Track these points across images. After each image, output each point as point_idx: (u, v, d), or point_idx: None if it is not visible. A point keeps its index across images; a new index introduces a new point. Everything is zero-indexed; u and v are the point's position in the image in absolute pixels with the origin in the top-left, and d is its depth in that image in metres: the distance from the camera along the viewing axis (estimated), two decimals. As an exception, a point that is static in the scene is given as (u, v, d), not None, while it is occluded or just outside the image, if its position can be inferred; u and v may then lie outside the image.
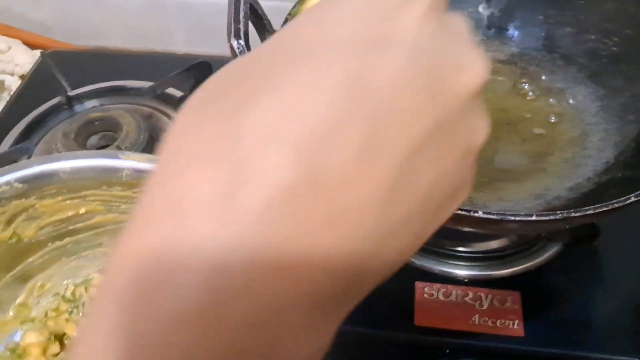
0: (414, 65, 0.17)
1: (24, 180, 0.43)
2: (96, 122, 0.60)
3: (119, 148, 0.56)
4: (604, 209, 0.36)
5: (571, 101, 0.55)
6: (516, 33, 0.59)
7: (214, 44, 0.76)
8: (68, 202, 0.45)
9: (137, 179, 0.44)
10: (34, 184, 0.43)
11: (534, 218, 0.36)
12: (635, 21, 0.52)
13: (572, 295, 0.49)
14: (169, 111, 0.64)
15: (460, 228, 0.42)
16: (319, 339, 0.17)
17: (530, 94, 0.56)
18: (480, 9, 0.60)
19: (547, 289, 0.49)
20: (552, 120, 0.53)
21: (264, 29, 0.50)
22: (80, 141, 0.59)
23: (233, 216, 0.15)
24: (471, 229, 0.47)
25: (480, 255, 0.51)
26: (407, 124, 0.17)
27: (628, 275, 0.50)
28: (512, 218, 0.36)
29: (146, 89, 0.63)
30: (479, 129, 0.20)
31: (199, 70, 0.62)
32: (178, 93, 0.65)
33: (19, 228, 0.44)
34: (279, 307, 0.15)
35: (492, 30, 0.60)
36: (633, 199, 0.37)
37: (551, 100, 0.55)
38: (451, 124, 0.18)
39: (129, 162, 0.43)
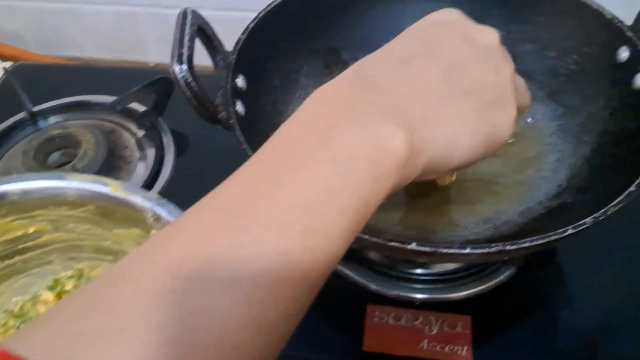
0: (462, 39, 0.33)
1: (-25, 202, 0.43)
2: (57, 140, 0.60)
3: (75, 167, 0.56)
4: (540, 241, 0.36)
5: (529, 120, 0.54)
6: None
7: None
8: (17, 222, 0.46)
9: (82, 198, 0.45)
10: (-15, 205, 0.44)
11: (467, 251, 0.35)
12: (594, 39, 0.51)
13: (524, 320, 0.48)
14: (131, 126, 0.64)
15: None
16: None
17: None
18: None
19: (499, 313, 0.49)
20: (509, 141, 0.52)
21: (216, 50, 0.49)
22: (41, 159, 0.59)
23: None
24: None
25: (434, 277, 0.51)
26: (456, 46, 0.32)
27: (583, 300, 0.50)
28: (445, 251, 0.35)
29: (108, 104, 0.63)
30: (506, 63, 0.33)
31: (160, 85, 0.61)
32: (141, 107, 0.65)
33: (-30, 248, 0.45)
34: None
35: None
36: (570, 231, 0.36)
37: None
38: (484, 52, 0.32)
39: (74, 182, 0.45)
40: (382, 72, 0.30)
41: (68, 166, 0.56)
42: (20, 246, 0.48)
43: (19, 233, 0.47)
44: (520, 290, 0.50)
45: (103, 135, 0.60)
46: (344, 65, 0.58)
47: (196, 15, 0.46)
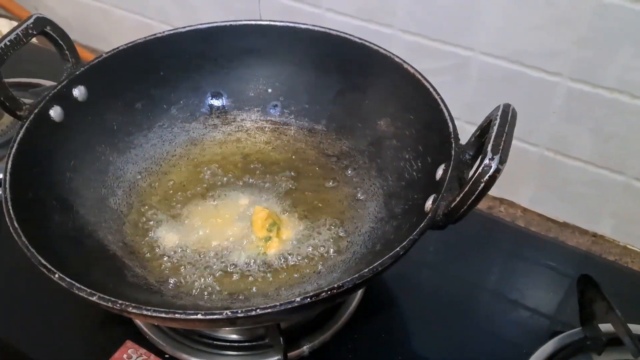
0: None
1: None
2: None
3: None
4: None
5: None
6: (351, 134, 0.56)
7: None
8: None
9: None
10: None
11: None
12: (436, 150, 0.46)
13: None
14: None
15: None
16: None
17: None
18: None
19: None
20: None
21: (65, 59, 0.52)
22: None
23: None
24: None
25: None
26: None
27: None
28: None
29: None
30: None
31: None
32: None
33: None
34: None
35: (334, 124, 0.57)
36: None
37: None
38: None
39: None
40: None
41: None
42: None
43: None
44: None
45: None
46: (224, 112, 0.59)
47: (45, 22, 0.50)
